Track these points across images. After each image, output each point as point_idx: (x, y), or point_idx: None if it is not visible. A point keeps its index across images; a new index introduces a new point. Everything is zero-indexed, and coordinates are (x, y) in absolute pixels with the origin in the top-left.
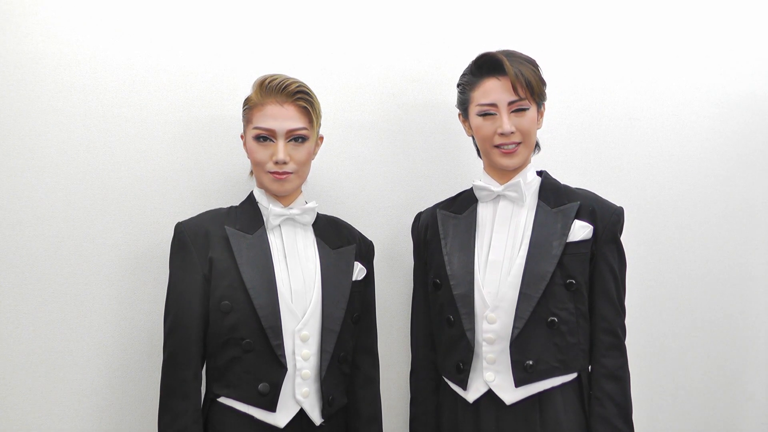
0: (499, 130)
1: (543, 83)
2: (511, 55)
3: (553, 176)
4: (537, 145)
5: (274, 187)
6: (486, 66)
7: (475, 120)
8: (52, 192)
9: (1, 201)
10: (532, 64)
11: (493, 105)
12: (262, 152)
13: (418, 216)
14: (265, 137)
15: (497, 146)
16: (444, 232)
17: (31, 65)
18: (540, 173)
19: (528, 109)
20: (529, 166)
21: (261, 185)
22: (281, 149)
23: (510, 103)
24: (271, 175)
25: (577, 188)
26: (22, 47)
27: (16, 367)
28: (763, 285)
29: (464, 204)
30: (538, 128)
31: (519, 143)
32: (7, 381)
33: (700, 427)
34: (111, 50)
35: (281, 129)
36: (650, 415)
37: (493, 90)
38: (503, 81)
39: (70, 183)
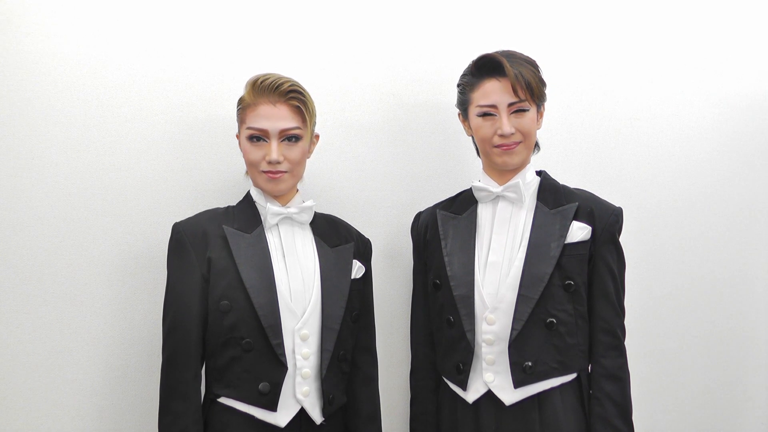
0: (499, 132)
1: (543, 84)
2: (511, 56)
3: (553, 176)
4: (537, 145)
5: (269, 187)
6: (486, 67)
7: (475, 120)
8: (52, 192)
9: (1, 201)
10: (532, 65)
11: (493, 106)
12: (255, 152)
13: (418, 216)
14: (259, 137)
15: (496, 146)
16: (444, 233)
17: (31, 65)
18: (539, 173)
19: (528, 110)
20: (528, 166)
21: (256, 185)
22: (274, 149)
23: (510, 105)
24: (265, 175)
25: (575, 189)
26: (22, 47)
27: (16, 367)
28: (763, 285)
29: (464, 204)
30: (538, 128)
31: (519, 143)
32: (7, 381)
33: (700, 427)
34: (111, 50)
35: (274, 129)
36: (650, 415)
37: (493, 91)
38: (503, 82)
39: (70, 183)
